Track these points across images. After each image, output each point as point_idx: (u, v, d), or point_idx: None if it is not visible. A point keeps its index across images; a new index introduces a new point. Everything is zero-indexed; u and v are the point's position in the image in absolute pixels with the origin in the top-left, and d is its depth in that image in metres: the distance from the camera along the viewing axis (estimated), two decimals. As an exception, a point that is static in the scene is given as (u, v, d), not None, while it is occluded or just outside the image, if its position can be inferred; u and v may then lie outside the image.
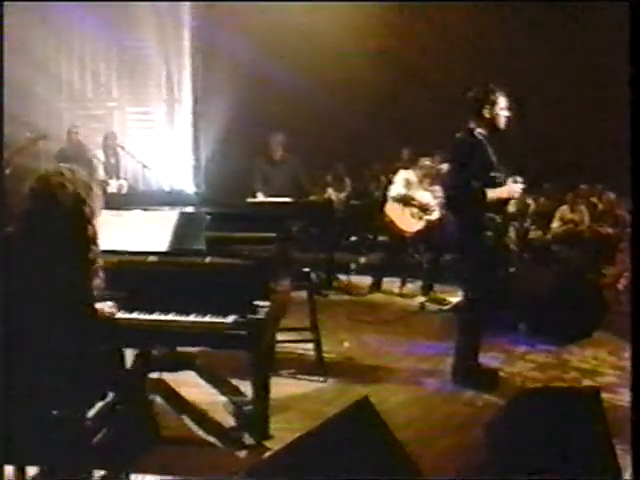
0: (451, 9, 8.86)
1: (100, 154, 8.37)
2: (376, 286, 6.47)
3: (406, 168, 6.65)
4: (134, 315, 2.88)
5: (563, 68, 9.02)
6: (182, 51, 10.56)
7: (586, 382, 4.06)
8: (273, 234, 3.30)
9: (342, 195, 9.36)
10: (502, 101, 3.83)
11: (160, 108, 10.67)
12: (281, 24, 9.03)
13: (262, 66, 9.16)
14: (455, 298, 5.68)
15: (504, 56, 8.87)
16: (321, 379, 4.08)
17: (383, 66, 9.21)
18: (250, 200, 6.57)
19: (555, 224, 8.29)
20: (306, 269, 4.22)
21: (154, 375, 3.68)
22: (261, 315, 2.81)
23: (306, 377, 4.14)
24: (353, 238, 8.91)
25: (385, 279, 6.63)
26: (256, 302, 2.85)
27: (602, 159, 8.30)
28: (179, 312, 2.89)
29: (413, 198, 6.30)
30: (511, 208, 9.12)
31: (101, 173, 8.19)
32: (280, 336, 4.24)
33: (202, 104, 10.70)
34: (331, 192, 9.21)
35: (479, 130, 3.85)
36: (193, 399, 3.74)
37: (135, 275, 2.94)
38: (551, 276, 5.36)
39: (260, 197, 6.66)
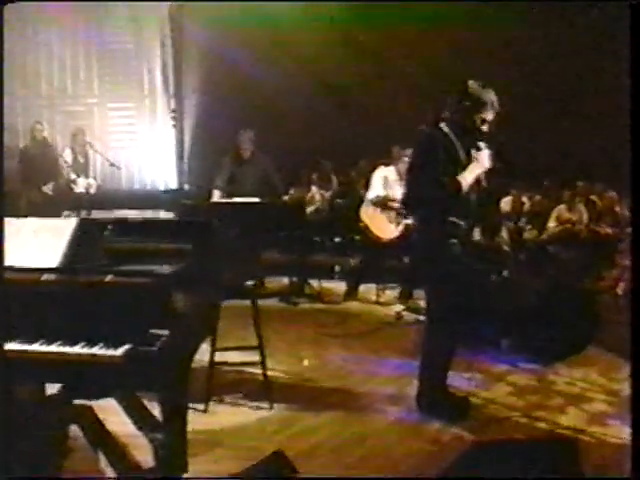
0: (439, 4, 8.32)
1: (67, 152, 7.92)
2: (352, 293, 5.95)
3: (386, 165, 6.11)
4: (11, 346, 2.39)
5: (563, 62, 8.50)
6: (164, 47, 10.18)
7: (570, 410, 3.53)
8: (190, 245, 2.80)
9: (328, 194, 8.86)
10: (490, 111, 3.30)
11: (142, 104, 10.28)
12: (264, 22, 8.62)
13: (245, 63, 8.74)
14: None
15: (502, 51, 8.37)
16: (267, 407, 3.58)
17: (373, 63, 8.74)
18: (214, 201, 6.10)
19: (551, 224, 7.74)
20: (249, 280, 3.69)
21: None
22: (156, 347, 2.31)
23: (251, 404, 3.65)
24: (337, 239, 8.41)
25: (364, 285, 6.14)
26: (153, 330, 2.35)
27: (603, 156, 7.79)
28: (66, 342, 2.40)
29: (392, 199, 5.75)
30: (505, 207, 8.67)
31: (68, 172, 7.76)
32: (222, 357, 3.80)
33: (186, 100, 10.31)
34: (315, 191, 8.71)
35: (445, 123, 3.33)
36: (119, 431, 3.26)
37: (16, 296, 2.45)
38: (539, 285, 4.81)
39: (216, 196, 6.17)
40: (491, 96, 3.28)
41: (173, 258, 2.74)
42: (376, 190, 5.81)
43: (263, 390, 3.66)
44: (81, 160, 7.94)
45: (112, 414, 2.88)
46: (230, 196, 6.26)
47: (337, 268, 7.23)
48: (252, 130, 6.36)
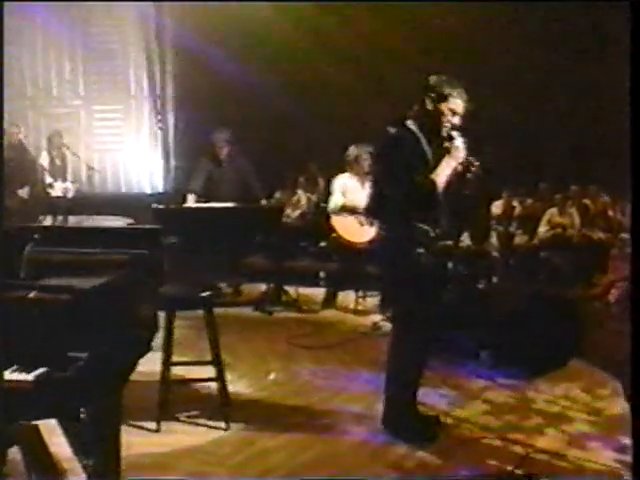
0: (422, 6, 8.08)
1: (44, 155, 7.70)
2: (330, 301, 5.70)
3: (343, 171, 5.75)
4: None
5: (557, 66, 8.26)
6: (150, 47, 9.97)
7: (549, 431, 3.28)
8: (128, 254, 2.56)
9: (315, 197, 8.61)
10: (457, 99, 3.05)
11: (128, 106, 10.06)
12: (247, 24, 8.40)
13: (230, 66, 8.54)
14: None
15: (493, 56, 8.14)
16: (223, 426, 3.33)
17: (355, 67, 8.52)
18: (188, 206, 5.86)
19: (542, 228, 7.48)
20: (205, 290, 3.44)
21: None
22: (71, 371, 2.07)
23: (208, 423, 3.40)
24: (323, 244, 8.15)
25: (345, 292, 5.89)
26: (72, 353, 2.11)
27: (598, 159, 7.55)
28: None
29: (353, 207, 5.44)
30: (496, 210, 8.41)
31: (43, 176, 7.54)
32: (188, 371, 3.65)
33: (172, 101, 10.10)
34: (301, 194, 8.47)
35: (412, 121, 3.09)
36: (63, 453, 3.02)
37: None
38: (521, 294, 4.56)
39: (191, 200, 5.93)
40: (456, 87, 3.04)
41: (108, 269, 2.51)
42: (336, 199, 5.57)
43: (219, 408, 3.42)
44: (58, 163, 7.72)
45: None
46: (206, 200, 6.03)
47: (322, 274, 6.99)
48: (228, 130, 6.11)
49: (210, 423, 3.39)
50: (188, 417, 3.47)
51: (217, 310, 5.59)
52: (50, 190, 7.57)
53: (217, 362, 3.42)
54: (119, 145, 9.97)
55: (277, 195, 8.46)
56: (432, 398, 3.62)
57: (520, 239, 7.60)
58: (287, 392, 3.85)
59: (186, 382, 3.60)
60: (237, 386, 3.92)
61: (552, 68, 8.24)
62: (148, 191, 9.94)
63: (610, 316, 5.88)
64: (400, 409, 3.19)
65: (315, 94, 8.45)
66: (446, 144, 3.12)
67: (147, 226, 2.97)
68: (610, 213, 7.19)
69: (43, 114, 9.77)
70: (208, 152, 6.19)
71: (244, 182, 6.09)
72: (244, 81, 8.42)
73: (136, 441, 3.07)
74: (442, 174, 3.08)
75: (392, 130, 3.10)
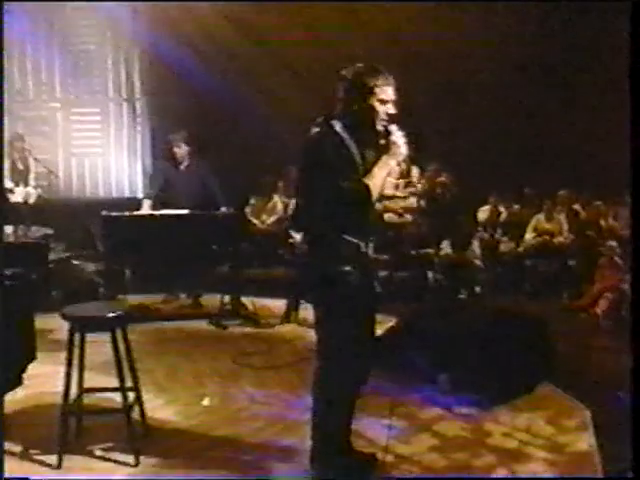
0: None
1: (5, 160, 7.36)
2: (290, 314, 5.28)
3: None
4: None
5: (551, 66, 7.87)
6: (129, 48, 9.65)
7: (500, 471, 2.86)
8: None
9: (292, 202, 8.22)
10: (384, 86, 2.64)
11: (107, 108, 9.74)
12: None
13: (206, 70, 8.23)
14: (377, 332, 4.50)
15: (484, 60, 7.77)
16: (131, 462, 2.94)
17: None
18: (137, 213, 5.48)
19: (528, 235, 7.04)
20: (115, 310, 3.05)
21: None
22: None
23: (118, 457, 3.01)
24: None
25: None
26: None
27: (592, 163, 7.12)
28: None
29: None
30: (482, 216, 7.97)
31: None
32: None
33: (151, 103, 9.77)
34: (277, 199, 8.09)
35: (337, 120, 2.68)
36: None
37: None
38: (486, 310, 4.14)
39: (146, 206, 5.55)
40: (379, 73, 2.62)
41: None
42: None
43: (131, 441, 3.03)
44: (20, 167, 7.38)
45: None
46: (164, 206, 5.66)
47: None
48: (185, 130, 5.73)
49: (120, 458, 3.01)
50: (104, 450, 3.09)
51: (169, 324, 5.39)
52: (10, 195, 7.23)
53: (125, 389, 3.02)
54: (97, 149, 9.66)
55: (252, 201, 8.09)
56: (375, 429, 3.22)
57: (505, 246, 7.18)
58: (218, 420, 3.44)
59: (90, 413, 3.19)
60: (164, 412, 3.54)
61: (541, 70, 7.89)
62: (127, 195, 9.63)
63: (594, 331, 5.47)
64: (328, 446, 2.78)
65: (296, 99, 8.08)
66: (382, 141, 2.72)
67: (32, 241, 2.61)
68: (602, 221, 6.74)
69: (20, 117, 9.48)
70: (165, 154, 5.83)
71: (204, 187, 5.71)
72: (221, 85, 8.11)
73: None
74: (378, 176, 2.66)
75: (313, 131, 2.69)
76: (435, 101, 7.90)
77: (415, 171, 8.17)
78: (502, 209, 7.49)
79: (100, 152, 9.59)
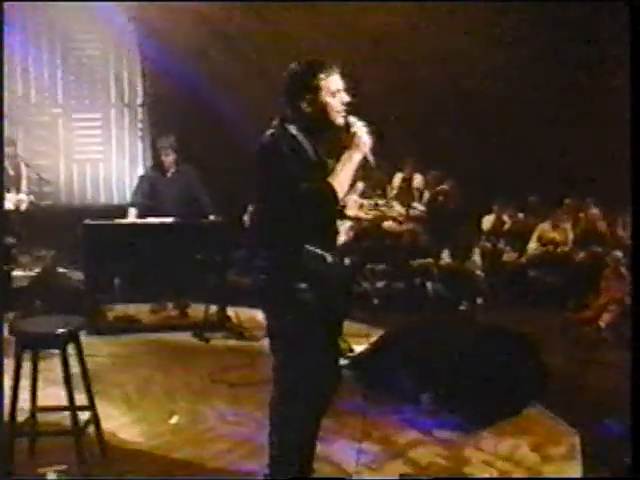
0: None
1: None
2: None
3: None
4: None
5: (549, 74, 7.62)
6: (131, 52, 9.57)
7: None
8: None
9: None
10: (330, 76, 2.43)
11: (109, 114, 9.67)
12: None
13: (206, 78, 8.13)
14: (360, 346, 4.29)
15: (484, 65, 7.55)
16: (81, 488, 2.77)
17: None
18: (120, 221, 5.33)
19: (532, 244, 6.78)
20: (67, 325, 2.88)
21: None
22: None
23: (68, 482, 2.84)
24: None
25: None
26: None
27: (591, 169, 6.86)
28: None
29: None
30: (485, 225, 7.70)
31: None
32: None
33: (152, 110, 9.67)
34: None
35: (290, 121, 2.48)
36: None
37: None
38: (474, 326, 3.90)
39: (132, 214, 5.40)
40: (323, 66, 2.42)
41: None
42: None
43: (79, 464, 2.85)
44: (11, 173, 7.28)
45: None
46: (150, 214, 5.50)
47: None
48: (172, 135, 5.59)
49: (71, 482, 2.83)
50: (59, 472, 2.91)
51: (152, 335, 5.21)
52: (-1, 202, 7.12)
53: (75, 408, 2.84)
54: (99, 154, 9.59)
55: (250, 209, 7.92)
56: (345, 454, 3.02)
57: (508, 256, 6.91)
58: (182, 441, 3.26)
59: (38, 434, 3.02)
60: (129, 432, 3.36)
61: (544, 76, 7.64)
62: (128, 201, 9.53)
63: (596, 345, 5.20)
64: (286, 475, 2.57)
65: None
66: (343, 135, 2.50)
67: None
68: (600, 228, 6.46)
69: (21, 122, 9.44)
70: (153, 161, 5.68)
71: (191, 194, 5.55)
72: (220, 94, 7.99)
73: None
74: (343, 174, 2.42)
75: (266, 134, 2.49)
76: (438, 108, 7.71)
77: (419, 179, 7.98)
78: (506, 218, 7.23)
79: (101, 158, 9.52)
